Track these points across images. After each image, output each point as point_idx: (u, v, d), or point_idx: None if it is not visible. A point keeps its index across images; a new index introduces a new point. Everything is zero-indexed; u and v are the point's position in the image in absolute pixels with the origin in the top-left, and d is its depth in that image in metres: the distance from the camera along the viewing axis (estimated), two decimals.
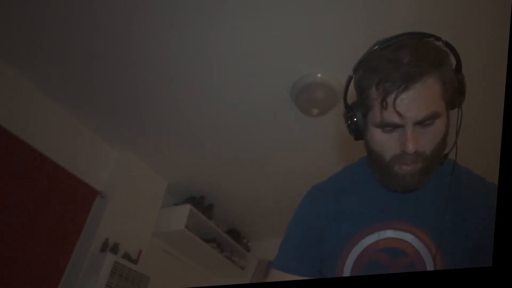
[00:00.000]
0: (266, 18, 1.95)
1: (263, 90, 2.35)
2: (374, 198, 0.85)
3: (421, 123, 0.75)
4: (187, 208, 3.27)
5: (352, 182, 0.92)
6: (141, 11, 2.00)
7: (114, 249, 2.77)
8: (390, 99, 0.74)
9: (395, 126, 0.76)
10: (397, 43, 0.78)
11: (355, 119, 0.84)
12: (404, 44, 0.77)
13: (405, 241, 0.77)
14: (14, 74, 2.46)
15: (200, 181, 3.38)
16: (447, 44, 0.82)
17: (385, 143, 0.78)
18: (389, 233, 0.79)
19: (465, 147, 2.73)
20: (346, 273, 0.81)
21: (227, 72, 2.28)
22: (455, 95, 0.79)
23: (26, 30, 2.19)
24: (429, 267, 0.74)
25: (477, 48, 1.91)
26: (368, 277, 0.76)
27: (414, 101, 0.73)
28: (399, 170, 0.78)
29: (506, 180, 0.59)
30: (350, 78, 0.87)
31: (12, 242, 2.33)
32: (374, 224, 0.81)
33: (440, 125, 0.77)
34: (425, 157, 0.77)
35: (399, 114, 0.74)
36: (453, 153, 0.84)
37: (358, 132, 0.85)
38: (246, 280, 3.66)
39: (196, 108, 2.59)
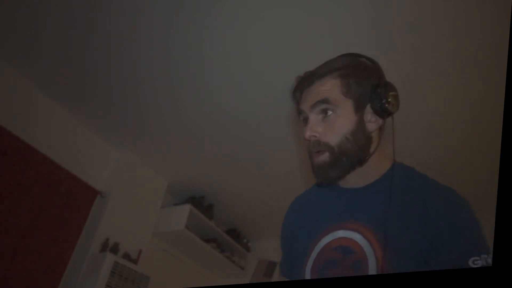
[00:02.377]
0: (266, 18, 1.95)
1: (263, 90, 2.35)
2: (331, 202, 0.94)
3: (317, 109, 0.88)
4: (187, 208, 3.27)
5: (317, 190, 1.02)
6: (141, 12, 2.00)
7: (114, 249, 2.77)
8: (299, 94, 0.93)
9: (302, 114, 0.92)
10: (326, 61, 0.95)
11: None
12: (327, 61, 0.94)
13: (353, 240, 0.84)
14: (14, 74, 2.47)
15: (200, 181, 3.38)
16: (369, 59, 0.95)
17: (302, 134, 0.90)
18: (341, 233, 0.87)
19: (465, 147, 2.74)
20: (307, 272, 0.89)
21: (227, 72, 2.28)
22: (374, 101, 0.88)
23: (26, 30, 2.19)
24: (371, 264, 0.80)
25: (477, 48, 1.91)
26: (368, 277, 0.76)
27: (312, 92, 0.90)
28: (313, 162, 0.88)
29: (506, 180, 0.59)
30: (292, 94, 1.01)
31: (12, 242, 2.33)
32: (329, 226, 0.89)
33: (342, 117, 0.86)
34: (329, 148, 0.86)
35: (299, 103, 0.92)
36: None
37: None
38: (246, 280, 3.66)
39: (196, 108, 2.60)
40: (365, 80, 0.89)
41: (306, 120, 0.91)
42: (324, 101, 0.87)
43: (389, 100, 0.89)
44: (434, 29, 1.87)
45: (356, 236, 0.84)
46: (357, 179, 0.90)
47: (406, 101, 2.49)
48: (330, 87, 0.88)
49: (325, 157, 0.86)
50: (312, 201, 1.01)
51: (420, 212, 0.81)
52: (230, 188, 3.39)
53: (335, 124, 0.87)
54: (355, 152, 0.87)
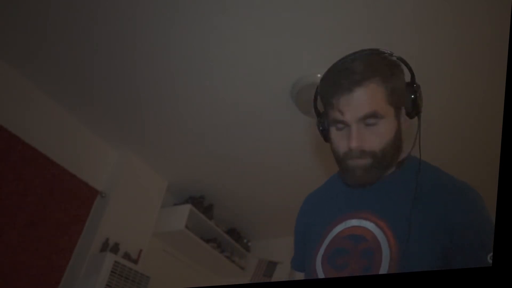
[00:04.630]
0: (266, 18, 1.95)
1: (263, 90, 2.35)
2: (345, 194, 0.96)
3: (363, 121, 0.85)
4: (187, 208, 3.26)
5: (330, 184, 1.05)
6: (141, 12, 2.00)
7: (114, 249, 2.77)
8: (336, 100, 0.87)
9: (342, 123, 0.88)
10: (353, 57, 0.89)
11: (324, 124, 0.95)
12: (357, 57, 0.89)
13: (366, 228, 0.86)
14: (14, 74, 2.47)
15: (200, 181, 3.38)
16: (400, 59, 0.91)
17: (337, 140, 0.89)
18: (353, 222, 0.88)
19: (465, 147, 2.73)
20: (318, 260, 0.91)
21: (227, 72, 2.28)
22: (408, 103, 0.89)
23: (26, 30, 2.19)
24: (385, 251, 0.81)
25: (477, 48, 1.91)
26: (368, 277, 0.76)
27: (355, 100, 0.84)
28: (350, 164, 0.88)
29: (506, 180, 0.59)
30: (316, 89, 0.98)
31: (12, 242, 2.33)
32: (343, 216, 0.91)
33: (386, 126, 0.86)
34: (374, 154, 0.86)
35: (341, 112, 0.86)
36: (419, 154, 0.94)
37: (325, 134, 0.96)
38: (246, 280, 3.66)
39: (196, 108, 2.60)
40: (399, 82, 0.89)
41: (343, 128, 0.88)
42: (373, 114, 0.85)
43: (419, 100, 0.91)
44: (434, 29, 1.87)
45: (369, 225, 0.86)
46: None
47: None
48: (375, 96, 0.85)
49: (367, 161, 0.86)
50: (326, 195, 1.03)
51: (439, 204, 0.83)
52: (230, 188, 3.39)
53: (380, 133, 0.87)
54: (395, 154, 0.89)
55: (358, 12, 1.84)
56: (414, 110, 0.90)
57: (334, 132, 0.91)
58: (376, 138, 0.86)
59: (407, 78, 0.94)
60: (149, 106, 2.63)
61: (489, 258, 0.76)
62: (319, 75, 2.17)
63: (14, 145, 2.39)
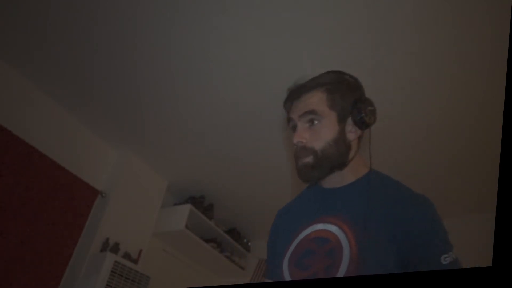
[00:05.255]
0: (266, 18, 1.95)
1: (263, 90, 2.35)
2: (312, 201, 1.06)
3: (304, 118, 1.00)
4: (187, 208, 3.26)
5: (298, 197, 1.15)
6: (141, 12, 2.00)
7: (115, 249, 2.77)
8: (289, 105, 1.05)
9: (292, 122, 1.03)
10: (313, 77, 1.06)
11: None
12: (316, 76, 1.06)
13: (330, 231, 0.94)
14: (14, 74, 2.47)
15: (200, 181, 3.38)
16: (351, 76, 1.06)
17: (292, 141, 1.02)
18: (319, 226, 0.97)
19: (465, 147, 2.73)
20: (285, 263, 0.98)
21: (227, 72, 2.28)
22: (354, 115, 1.00)
23: (26, 30, 2.19)
24: (346, 251, 0.90)
25: (477, 48, 1.91)
26: (369, 277, 0.76)
27: (300, 103, 1.02)
28: (298, 163, 1.00)
29: (506, 180, 0.59)
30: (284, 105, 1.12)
31: (13, 242, 2.33)
32: (309, 221, 1.00)
33: (326, 127, 0.99)
34: (314, 152, 0.98)
35: (290, 112, 1.04)
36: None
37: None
38: (246, 280, 3.66)
39: (196, 108, 2.60)
40: (348, 96, 1.01)
41: (294, 127, 1.02)
42: (312, 112, 0.99)
43: (367, 114, 1.00)
44: (435, 29, 1.87)
45: (333, 228, 0.94)
46: (336, 180, 1.01)
47: (408, 100, 2.49)
48: (317, 100, 1.00)
49: (309, 159, 0.98)
50: (294, 206, 1.14)
51: (396, 212, 0.91)
52: (230, 188, 3.39)
53: (320, 132, 0.98)
54: (336, 156, 0.99)
55: (358, 12, 1.84)
56: (360, 122, 1.00)
57: (291, 136, 1.03)
58: (316, 137, 0.98)
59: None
60: (149, 106, 2.63)
61: (443, 260, 0.85)
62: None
63: (14, 145, 2.39)
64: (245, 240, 3.89)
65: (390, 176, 1.03)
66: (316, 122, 0.99)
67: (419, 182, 3.07)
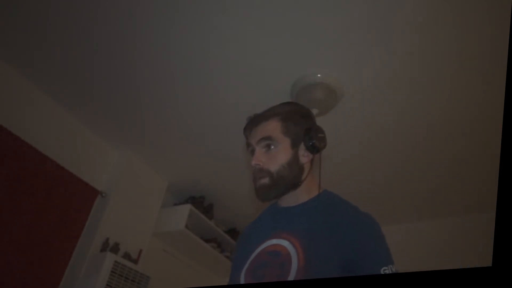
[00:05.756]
0: (266, 18, 1.95)
1: (263, 90, 2.35)
2: (270, 219, 1.18)
3: (261, 143, 1.10)
4: (187, 208, 3.26)
5: (260, 215, 1.26)
6: (141, 12, 2.00)
7: (115, 249, 2.77)
8: (248, 132, 1.17)
9: (250, 147, 1.14)
10: (271, 107, 1.18)
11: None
12: (273, 107, 1.18)
13: (282, 245, 1.03)
14: (14, 74, 2.47)
15: (200, 181, 3.38)
16: (303, 107, 1.19)
17: (251, 163, 1.12)
18: (274, 241, 1.06)
19: (465, 147, 2.73)
20: (242, 275, 1.07)
21: (227, 72, 2.28)
22: (306, 141, 1.11)
23: (26, 30, 2.19)
24: (294, 263, 0.98)
25: (477, 48, 1.91)
26: (371, 277, 0.76)
27: (258, 130, 1.13)
28: (256, 184, 1.10)
29: (506, 180, 0.59)
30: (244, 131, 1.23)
31: (13, 242, 2.33)
32: (266, 238, 1.09)
33: (281, 152, 1.09)
34: (270, 173, 1.08)
35: (248, 138, 1.16)
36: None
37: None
38: None
39: (196, 108, 2.60)
40: (300, 123, 1.12)
41: (253, 151, 1.13)
42: (268, 138, 1.10)
43: (318, 140, 1.11)
44: (435, 29, 1.87)
45: (285, 243, 1.03)
46: (291, 200, 1.12)
47: (408, 100, 2.49)
48: (273, 127, 1.11)
49: (265, 180, 1.08)
50: (255, 224, 1.24)
51: (342, 227, 1.00)
52: (230, 188, 3.39)
53: (275, 156, 1.09)
54: (290, 178, 1.09)
55: (358, 12, 1.84)
56: (312, 147, 1.10)
57: (249, 158, 1.14)
58: (272, 160, 1.08)
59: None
60: (149, 106, 2.63)
61: (382, 271, 0.93)
62: (319, 75, 2.20)
63: (14, 145, 2.39)
64: None
65: (339, 196, 1.13)
66: (272, 147, 1.09)
67: (419, 182, 3.10)
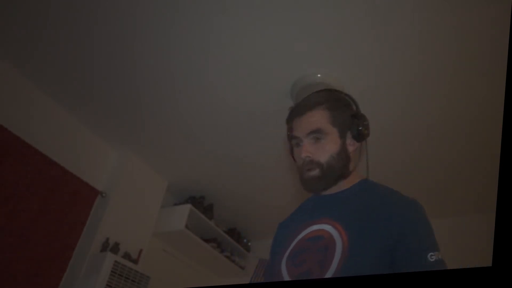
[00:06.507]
0: (266, 18, 1.95)
1: (263, 90, 2.35)
2: (309, 207, 1.17)
3: (310, 135, 1.09)
4: (187, 208, 3.26)
5: (296, 210, 1.25)
6: (141, 12, 2.00)
7: (115, 249, 2.77)
8: (292, 122, 1.14)
9: (296, 139, 1.12)
10: (312, 94, 1.18)
11: (290, 145, 1.18)
12: (314, 94, 1.17)
13: (325, 229, 1.04)
14: (14, 74, 2.47)
15: (200, 181, 3.38)
16: (346, 94, 1.18)
17: (296, 155, 1.13)
18: (315, 227, 1.07)
19: (465, 147, 2.73)
20: (284, 261, 1.07)
21: (227, 72, 2.28)
22: (353, 129, 1.11)
23: (26, 30, 2.19)
24: (338, 247, 0.98)
25: (477, 48, 1.91)
26: (372, 277, 0.76)
27: (303, 121, 1.11)
28: (305, 175, 1.09)
29: (506, 180, 0.59)
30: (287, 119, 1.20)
31: (13, 241, 2.33)
32: (306, 224, 1.10)
33: (330, 142, 1.09)
34: (320, 165, 1.07)
35: (293, 130, 1.13)
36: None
37: (292, 154, 1.18)
38: (246, 280, 3.65)
39: (196, 108, 2.60)
40: (346, 112, 1.13)
41: (297, 144, 1.12)
42: (317, 131, 1.09)
43: (364, 127, 1.12)
44: (435, 29, 1.87)
45: (327, 227, 1.04)
46: (333, 188, 1.11)
47: (408, 100, 2.49)
48: (320, 118, 1.10)
49: (316, 172, 1.08)
50: (295, 215, 1.23)
51: (387, 211, 1.00)
52: (230, 188, 3.39)
53: (324, 147, 1.08)
54: (339, 167, 1.09)
55: (358, 12, 1.84)
56: (358, 135, 1.11)
57: (294, 150, 1.14)
58: (321, 151, 1.08)
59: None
60: (149, 106, 2.63)
61: (429, 257, 0.92)
62: (319, 75, 2.20)
63: (14, 145, 2.39)
64: (245, 240, 3.89)
65: (380, 183, 1.13)
66: (321, 138, 1.08)
67: (419, 182, 3.10)
